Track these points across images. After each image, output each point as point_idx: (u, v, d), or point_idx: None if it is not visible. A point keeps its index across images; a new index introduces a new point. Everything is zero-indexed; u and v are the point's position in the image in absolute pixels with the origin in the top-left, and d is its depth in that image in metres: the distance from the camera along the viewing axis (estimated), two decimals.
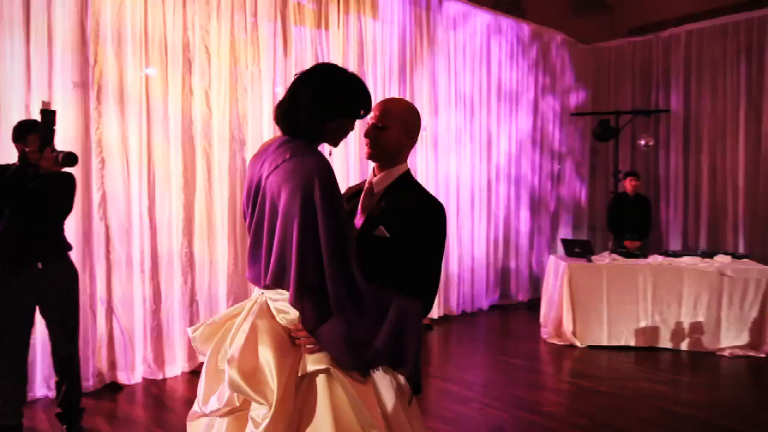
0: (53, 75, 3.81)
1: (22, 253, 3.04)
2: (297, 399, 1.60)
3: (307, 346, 1.61)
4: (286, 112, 1.69)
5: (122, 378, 4.10)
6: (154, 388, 4.09)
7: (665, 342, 5.11)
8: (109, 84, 4.04)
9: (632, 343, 5.13)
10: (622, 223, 6.20)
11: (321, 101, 1.68)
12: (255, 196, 1.71)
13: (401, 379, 1.68)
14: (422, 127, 1.99)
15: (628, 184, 6.20)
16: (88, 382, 3.90)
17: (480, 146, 6.76)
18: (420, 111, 1.97)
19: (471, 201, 6.69)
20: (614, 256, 5.47)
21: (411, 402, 1.73)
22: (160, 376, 4.24)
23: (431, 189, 6.17)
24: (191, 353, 4.40)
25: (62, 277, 3.18)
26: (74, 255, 3.77)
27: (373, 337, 1.60)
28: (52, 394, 3.73)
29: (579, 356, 4.97)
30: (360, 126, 2.24)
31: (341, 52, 5.33)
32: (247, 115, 4.69)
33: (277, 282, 1.61)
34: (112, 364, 4.09)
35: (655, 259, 5.35)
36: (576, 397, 4.05)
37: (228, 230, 4.59)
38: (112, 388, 4.03)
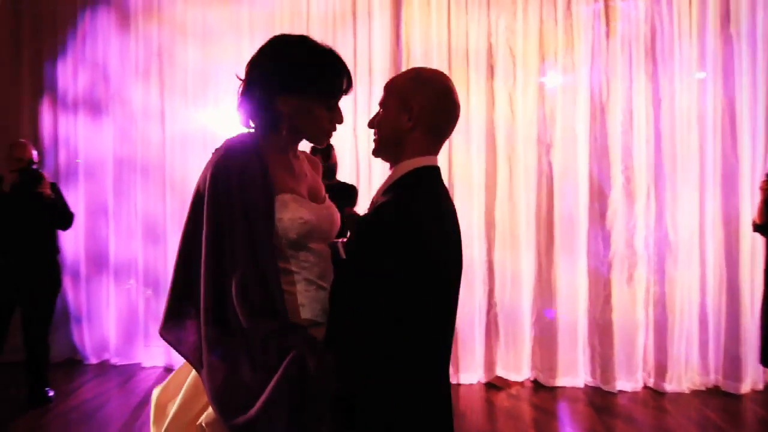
0: (372, 101, 4.41)
1: None
2: None
3: None
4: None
5: None
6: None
7: None
8: None
9: None
10: None
11: (258, 74, 1.40)
12: None
13: None
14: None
15: None
16: None
17: None
18: None
19: None
20: None
21: None
22: (457, 381, 4.29)
23: None
24: (488, 365, 4.28)
25: None
26: None
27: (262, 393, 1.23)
28: None
29: None
30: None
31: (691, 19, 4.12)
32: (555, 113, 4.22)
33: None
34: None
35: None
36: None
37: (533, 239, 4.26)
38: None
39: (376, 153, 1.43)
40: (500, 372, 4.30)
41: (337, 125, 1.49)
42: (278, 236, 1.36)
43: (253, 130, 1.46)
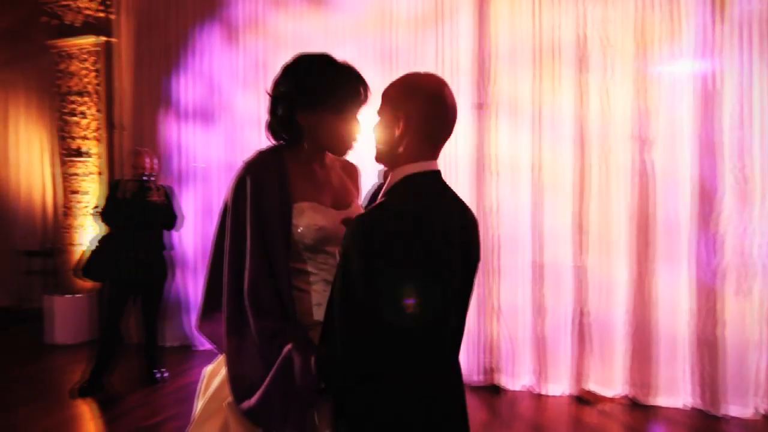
0: (457, 100, 4.34)
1: None
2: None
3: None
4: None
5: (505, 382, 4.22)
6: (533, 402, 4.01)
7: None
8: (503, 101, 4.24)
9: None
10: None
11: (280, 91, 1.51)
12: None
13: None
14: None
15: None
16: (475, 378, 4.25)
17: None
18: None
19: None
20: None
21: None
22: (542, 391, 4.10)
23: None
24: (578, 376, 4.03)
25: None
26: None
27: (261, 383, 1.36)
28: None
29: None
30: None
31: None
32: (655, 107, 3.87)
33: None
34: (497, 367, 4.26)
35: None
36: None
37: (629, 244, 3.93)
38: (494, 390, 4.22)
39: (377, 160, 1.44)
40: (590, 385, 4.03)
41: (357, 136, 1.56)
42: (295, 241, 1.48)
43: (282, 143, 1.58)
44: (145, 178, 4.11)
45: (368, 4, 4.61)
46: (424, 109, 1.32)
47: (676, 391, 3.82)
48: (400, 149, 1.34)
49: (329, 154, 1.62)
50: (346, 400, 1.27)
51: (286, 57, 4.98)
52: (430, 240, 1.29)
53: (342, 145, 1.55)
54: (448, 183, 4.45)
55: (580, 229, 4.04)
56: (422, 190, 1.34)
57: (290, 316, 1.43)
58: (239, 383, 1.40)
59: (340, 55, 4.68)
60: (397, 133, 1.33)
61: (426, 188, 1.35)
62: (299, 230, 1.47)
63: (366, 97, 1.52)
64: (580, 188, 4.05)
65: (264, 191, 1.46)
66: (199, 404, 1.56)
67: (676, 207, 3.82)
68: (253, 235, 1.43)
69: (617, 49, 3.94)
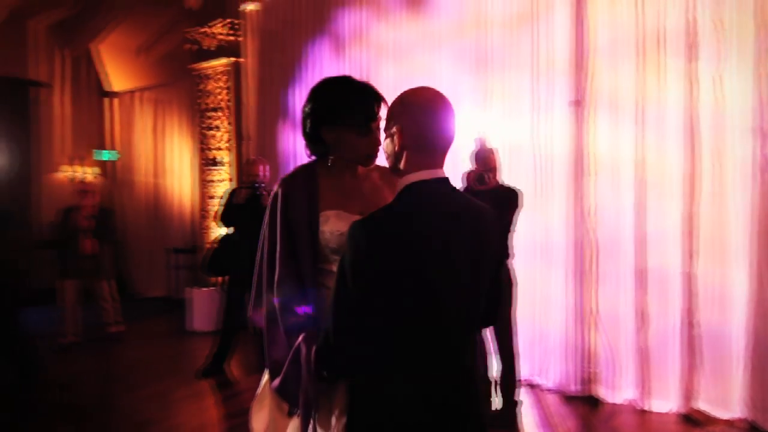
0: (554, 98, 4.21)
1: None
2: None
3: None
4: None
5: (603, 393, 3.98)
6: (634, 417, 3.75)
7: None
8: (603, 97, 4.02)
9: None
10: None
11: (307, 111, 1.68)
12: None
13: None
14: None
15: None
16: (572, 387, 4.07)
17: None
18: None
19: None
20: None
21: None
22: (645, 407, 3.81)
23: None
24: (686, 392, 3.68)
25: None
26: (564, 265, 4.09)
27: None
28: None
29: None
30: None
31: None
32: None
33: None
34: (595, 377, 4.04)
35: None
36: None
37: (747, 249, 3.51)
38: (592, 401, 4.00)
39: (391, 171, 1.52)
40: (701, 405, 3.66)
41: (376, 148, 1.68)
42: (323, 245, 1.67)
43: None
44: (257, 185, 4.53)
45: (464, 7, 4.63)
46: (415, 121, 1.38)
47: None
48: (402, 161, 1.41)
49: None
50: (348, 389, 1.39)
51: (387, 65, 5.21)
52: (420, 243, 1.34)
53: (362, 157, 1.68)
54: (544, 183, 4.30)
55: (689, 231, 3.69)
56: (422, 197, 1.39)
57: (312, 311, 1.61)
58: (273, 365, 1.64)
59: (438, 59, 4.73)
60: (397, 146, 1.41)
61: (426, 194, 1.39)
62: (325, 236, 1.64)
63: (379, 110, 1.63)
64: (689, 187, 3.69)
65: (292, 202, 1.65)
66: (263, 379, 1.80)
67: None
68: (282, 241, 1.64)
69: (733, 32, 3.54)
